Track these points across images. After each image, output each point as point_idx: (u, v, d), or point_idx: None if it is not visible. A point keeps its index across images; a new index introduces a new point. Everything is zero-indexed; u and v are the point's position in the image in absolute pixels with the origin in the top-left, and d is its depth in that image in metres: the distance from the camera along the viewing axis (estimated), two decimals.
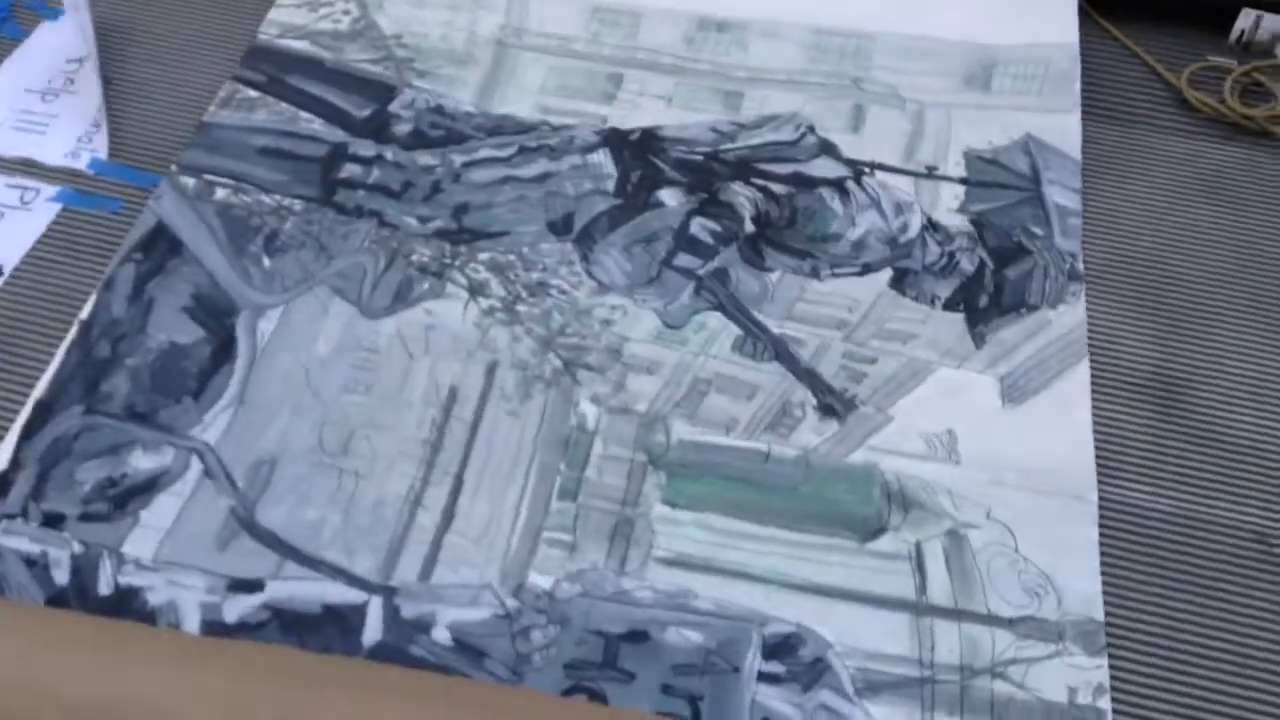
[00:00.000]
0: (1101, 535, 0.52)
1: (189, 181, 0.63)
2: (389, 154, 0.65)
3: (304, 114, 0.67)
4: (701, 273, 0.62)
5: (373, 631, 0.48)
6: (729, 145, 0.67)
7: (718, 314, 0.60)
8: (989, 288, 0.61)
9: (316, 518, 0.51)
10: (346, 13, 0.73)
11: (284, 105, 0.68)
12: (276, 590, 0.49)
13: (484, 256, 0.62)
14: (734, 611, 0.49)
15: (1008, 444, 0.55)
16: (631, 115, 0.69)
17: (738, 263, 0.62)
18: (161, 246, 0.61)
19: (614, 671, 0.47)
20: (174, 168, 0.64)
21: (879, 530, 0.52)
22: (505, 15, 0.73)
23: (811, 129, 0.68)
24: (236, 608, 0.48)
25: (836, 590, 0.50)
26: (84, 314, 0.57)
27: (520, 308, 0.60)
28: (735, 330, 0.60)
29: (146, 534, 0.51)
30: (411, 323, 0.58)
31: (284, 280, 0.60)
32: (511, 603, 0.49)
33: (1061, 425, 0.55)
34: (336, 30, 0.72)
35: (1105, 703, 0.47)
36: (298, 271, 0.60)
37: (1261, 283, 0.62)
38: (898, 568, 0.51)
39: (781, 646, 0.48)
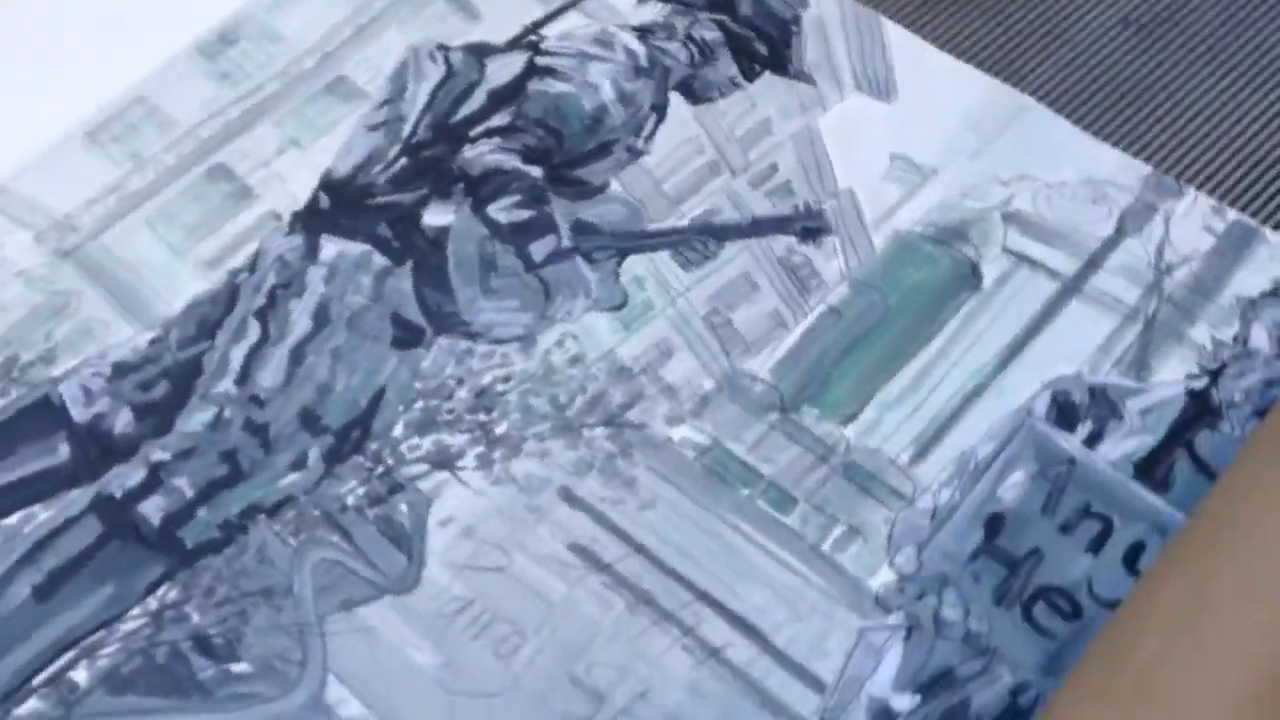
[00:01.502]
0: None
1: None
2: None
3: None
4: (566, 244, 0.52)
5: None
6: (408, 137, 0.55)
7: (631, 259, 0.51)
8: (748, 38, 0.57)
9: None
10: None
11: None
12: None
13: (407, 446, 0.47)
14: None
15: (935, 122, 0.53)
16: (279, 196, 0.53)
17: (572, 210, 0.53)
18: None
19: None
20: None
21: (974, 269, 0.50)
22: None
23: (443, 53, 0.57)
24: None
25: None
26: None
27: (502, 431, 0.47)
28: (663, 255, 0.52)
29: None
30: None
31: None
32: None
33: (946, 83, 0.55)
34: None
35: None
36: None
37: None
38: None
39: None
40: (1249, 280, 0.49)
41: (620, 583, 0.44)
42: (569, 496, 0.46)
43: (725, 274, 0.51)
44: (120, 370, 0.49)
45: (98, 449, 0.47)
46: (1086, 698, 0.36)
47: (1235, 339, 0.48)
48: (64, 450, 0.47)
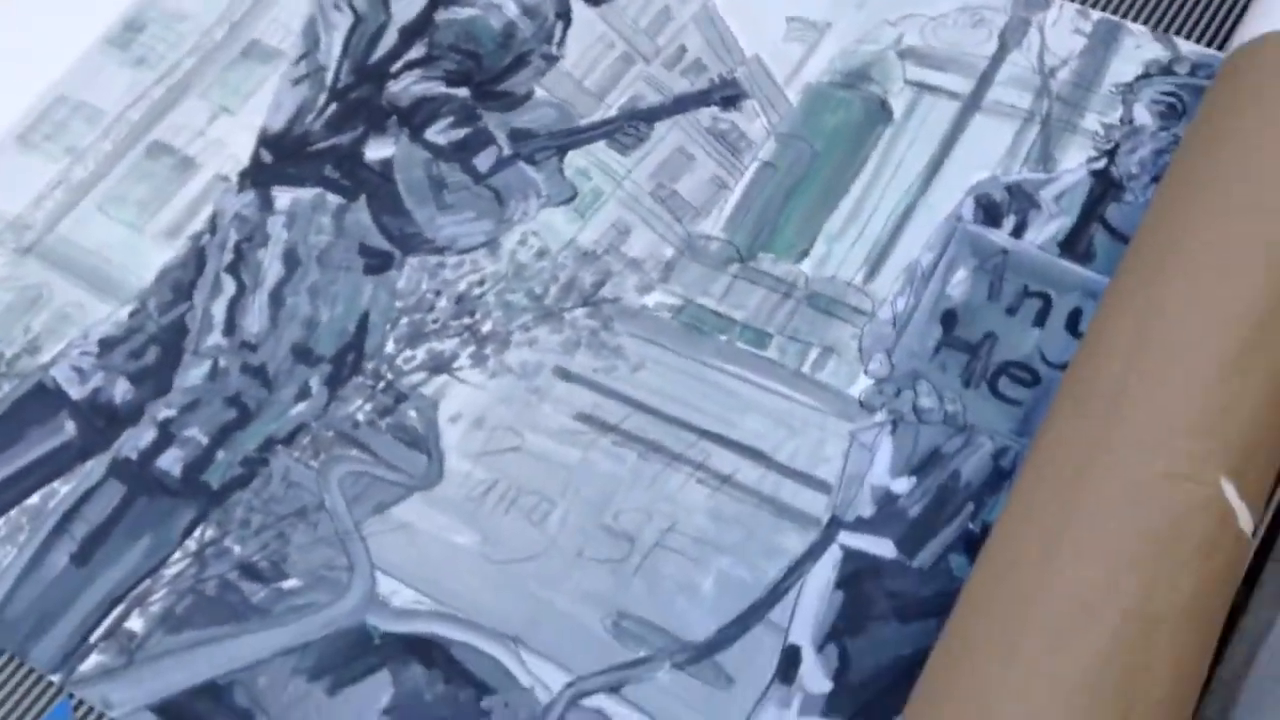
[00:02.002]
0: None
1: None
2: None
3: None
4: (507, 152, 0.55)
5: None
6: (332, 84, 0.57)
7: (571, 154, 0.55)
8: None
9: None
10: None
11: None
12: None
13: (403, 359, 0.49)
14: None
15: None
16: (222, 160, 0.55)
17: (505, 121, 0.55)
18: None
19: None
20: None
21: (883, 104, 0.55)
22: None
23: (347, 1, 0.59)
24: None
25: None
26: None
27: (488, 329, 0.50)
28: (600, 145, 0.55)
29: None
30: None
31: None
32: None
33: None
34: None
35: None
36: None
37: None
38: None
39: None
40: (1123, 68, 0.54)
41: (628, 438, 0.47)
42: (564, 374, 0.49)
43: (661, 151, 0.54)
44: (107, 345, 0.51)
45: (103, 419, 0.49)
46: (1064, 417, 0.41)
47: (1121, 120, 0.53)
48: (70, 427, 0.49)
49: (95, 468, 0.48)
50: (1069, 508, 0.39)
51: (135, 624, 0.45)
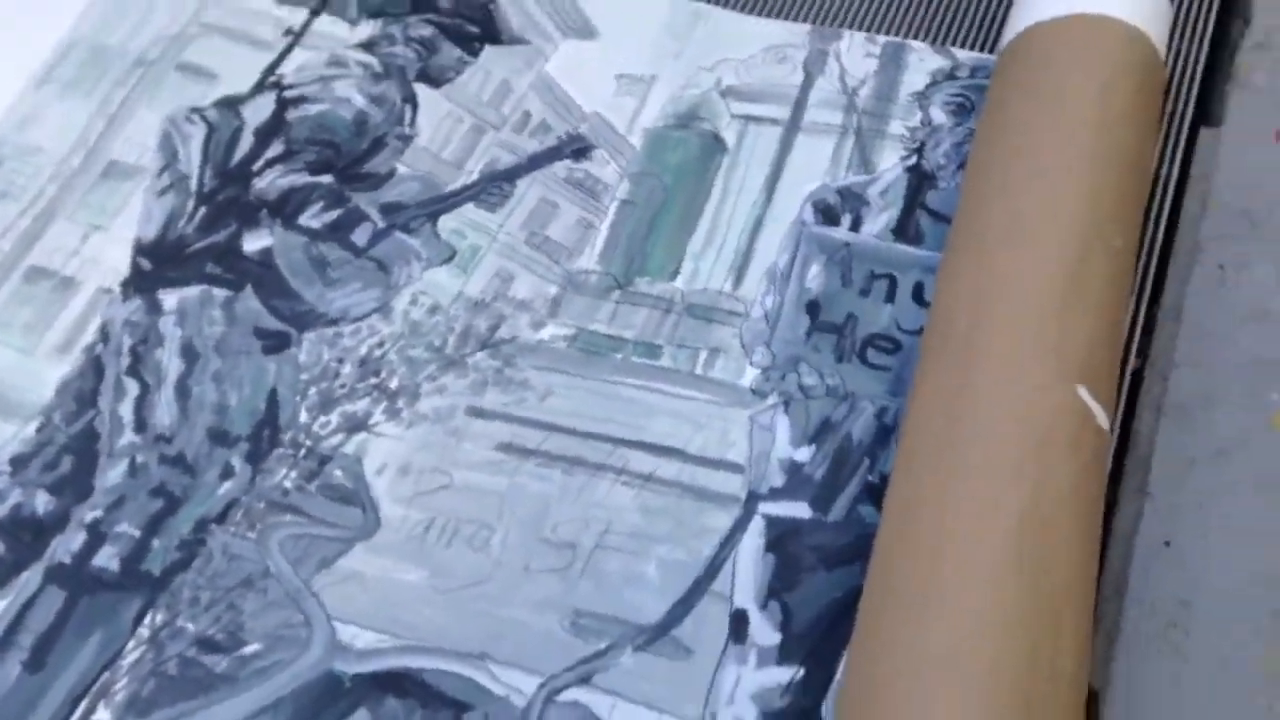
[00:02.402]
0: None
1: None
2: None
3: None
4: (381, 225, 0.58)
5: None
6: (197, 189, 0.59)
7: (442, 219, 0.58)
8: (458, 24, 0.65)
9: None
10: None
11: None
12: None
13: (319, 426, 0.51)
14: None
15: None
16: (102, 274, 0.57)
17: (374, 198, 0.59)
18: None
19: None
20: None
21: (717, 137, 0.61)
22: None
23: (198, 113, 0.62)
24: None
25: None
26: None
27: (396, 385, 0.52)
28: (469, 207, 0.58)
29: None
30: None
31: None
32: None
33: None
34: None
35: None
36: None
37: None
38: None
39: None
40: (914, 79, 0.62)
41: (550, 458, 0.51)
42: (477, 412, 0.52)
43: (527, 204, 0.59)
44: (19, 462, 0.51)
45: (29, 533, 0.49)
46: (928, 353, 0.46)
47: (922, 123, 0.61)
48: None
49: (30, 578, 0.48)
50: (951, 442, 0.44)
51: (102, 716, 0.45)
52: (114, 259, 0.57)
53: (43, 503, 0.50)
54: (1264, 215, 0.57)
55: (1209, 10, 0.63)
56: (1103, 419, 0.45)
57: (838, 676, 0.45)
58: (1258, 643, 0.46)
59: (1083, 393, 0.45)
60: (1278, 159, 0.58)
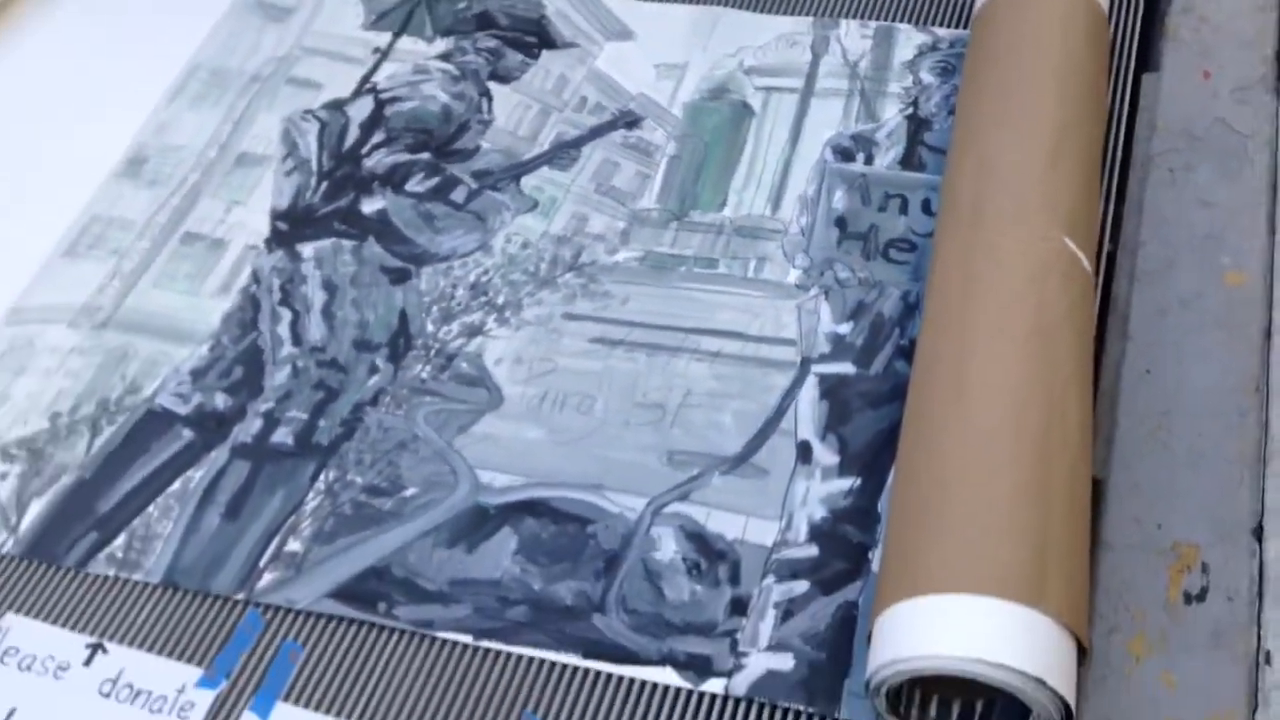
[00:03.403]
0: None
1: None
2: None
3: None
4: (474, 186, 0.70)
5: None
6: (318, 169, 0.71)
7: (524, 179, 0.70)
8: (517, 36, 0.78)
9: None
10: None
11: None
12: None
13: (443, 333, 0.62)
14: None
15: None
16: (247, 235, 0.68)
17: (466, 167, 0.71)
18: None
19: None
20: None
21: (745, 104, 0.73)
22: None
23: (310, 114, 0.74)
24: None
25: None
26: None
27: (502, 301, 0.64)
28: (544, 169, 0.70)
29: None
30: None
31: None
32: None
33: None
34: None
35: None
36: None
37: None
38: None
39: None
40: (903, 52, 0.75)
41: (635, 346, 0.62)
42: (571, 316, 0.63)
43: (592, 163, 0.71)
44: (198, 374, 0.61)
45: (213, 422, 0.59)
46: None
47: (914, 83, 0.73)
48: (186, 433, 0.59)
49: (219, 454, 0.58)
50: (967, 283, 0.55)
51: (294, 545, 0.54)
52: (255, 224, 0.68)
53: (222, 400, 0.60)
54: (1201, 132, 0.69)
55: None
56: (1087, 264, 0.57)
57: (888, 482, 0.55)
58: (1229, 436, 0.56)
59: (1069, 243, 0.56)
60: (1207, 91, 0.71)
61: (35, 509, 0.57)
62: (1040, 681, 0.43)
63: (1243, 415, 0.57)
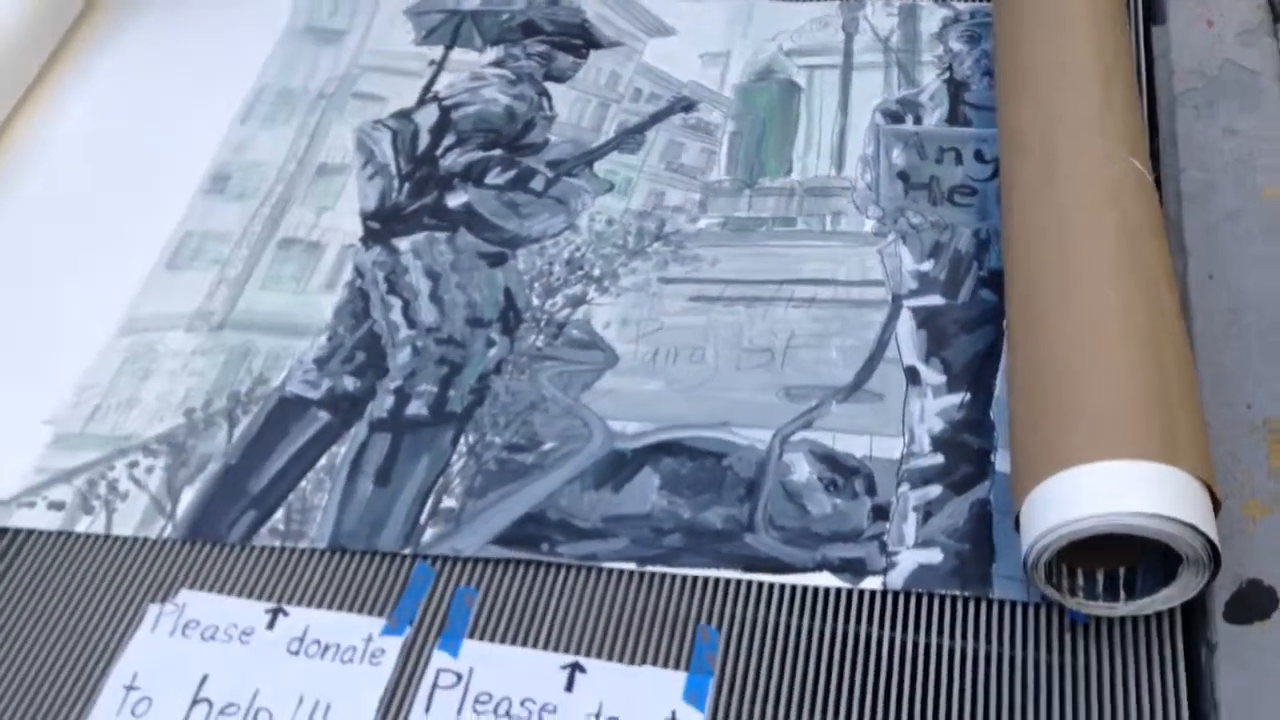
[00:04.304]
0: None
1: None
2: None
3: None
4: (550, 175, 0.73)
5: None
6: (397, 172, 0.74)
7: (596, 165, 0.74)
8: (564, 40, 0.82)
9: None
10: None
11: None
12: None
13: (549, 306, 0.66)
14: None
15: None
16: (342, 236, 0.71)
17: (539, 158, 0.74)
18: None
19: None
20: None
21: (792, 82, 0.77)
22: None
23: (380, 123, 0.77)
24: None
25: None
26: None
27: (598, 273, 0.67)
28: (614, 155, 0.74)
29: None
30: None
31: None
32: None
33: None
34: None
35: None
36: None
37: None
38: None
39: None
40: (929, 25, 0.80)
41: (733, 300, 0.65)
42: (667, 280, 0.67)
43: (659, 146, 0.75)
44: (321, 362, 0.64)
45: (347, 403, 0.62)
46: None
47: (945, 51, 0.78)
48: (322, 415, 0.62)
49: (359, 430, 0.61)
50: (1056, 207, 0.60)
51: (449, 502, 0.57)
52: (347, 226, 0.71)
53: (350, 383, 0.63)
54: (1215, 72, 0.75)
55: None
56: (1149, 177, 0.61)
57: (996, 393, 0.59)
58: None
59: (1134, 161, 0.61)
60: (1212, 38, 0.77)
61: (188, 496, 0.59)
62: (1192, 526, 0.47)
63: None
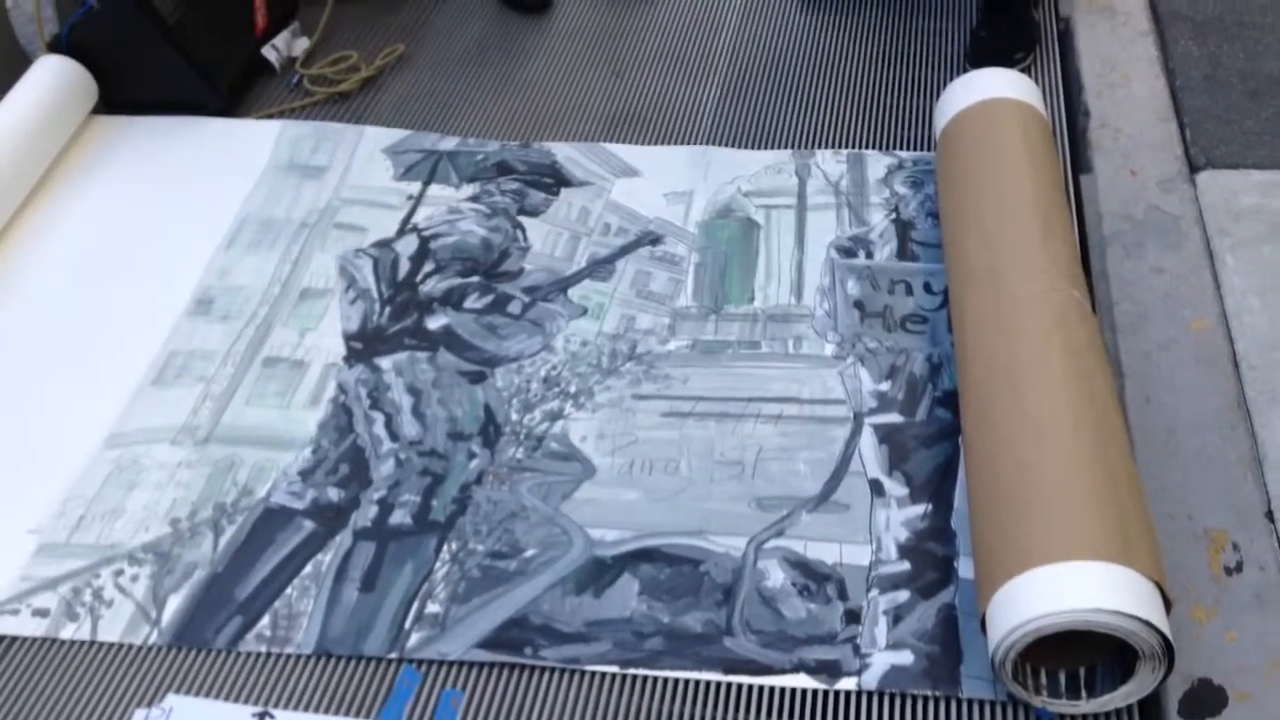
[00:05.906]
0: None
1: None
2: None
3: None
4: (527, 300, 0.77)
5: None
6: (379, 296, 0.77)
7: (570, 291, 0.77)
8: (536, 178, 0.87)
9: None
10: None
11: None
12: None
13: (528, 420, 0.69)
14: None
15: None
16: (325, 355, 0.74)
17: (515, 285, 0.78)
18: None
19: None
20: None
21: (750, 220, 0.83)
22: None
23: (362, 251, 0.81)
24: None
25: None
26: None
27: (574, 389, 0.70)
28: (585, 282, 0.78)
29: None
30: None
31: None
32: None
33: None
34: None
35: None
36: None
37: None
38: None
39: None
40: (875, 171, 0.86)
41: (704, 416, 0.69)
42: (640, 397, 0.70)
43: (628, 275, 0.79)
44: (306, 474, 0.66)
45: (331, 512, 0.64)
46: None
47: (891, 194, 0.85)
48: (308, 524, 0.63)
49: (343, 538, 0.62)
50: (1005, 330, 0.65)
51: (434, 607, 0.59)
52: (330, 346, 0.74)
53: (335, 493, 0.65)
54: (1141, 216, 0.82)
55: (1061, 109, 0.91)
56: (1089, 309, 0.67)
57: (955, 504, 0.63)
58: (1228, 444, 0.66)
59: (1075, 293, 0.66)
60: (1136, 185, 0.85)
61: (174, 603, 0.60)
62: (1147, 623, 0.50)
63: (1233, 427, 0.67)
